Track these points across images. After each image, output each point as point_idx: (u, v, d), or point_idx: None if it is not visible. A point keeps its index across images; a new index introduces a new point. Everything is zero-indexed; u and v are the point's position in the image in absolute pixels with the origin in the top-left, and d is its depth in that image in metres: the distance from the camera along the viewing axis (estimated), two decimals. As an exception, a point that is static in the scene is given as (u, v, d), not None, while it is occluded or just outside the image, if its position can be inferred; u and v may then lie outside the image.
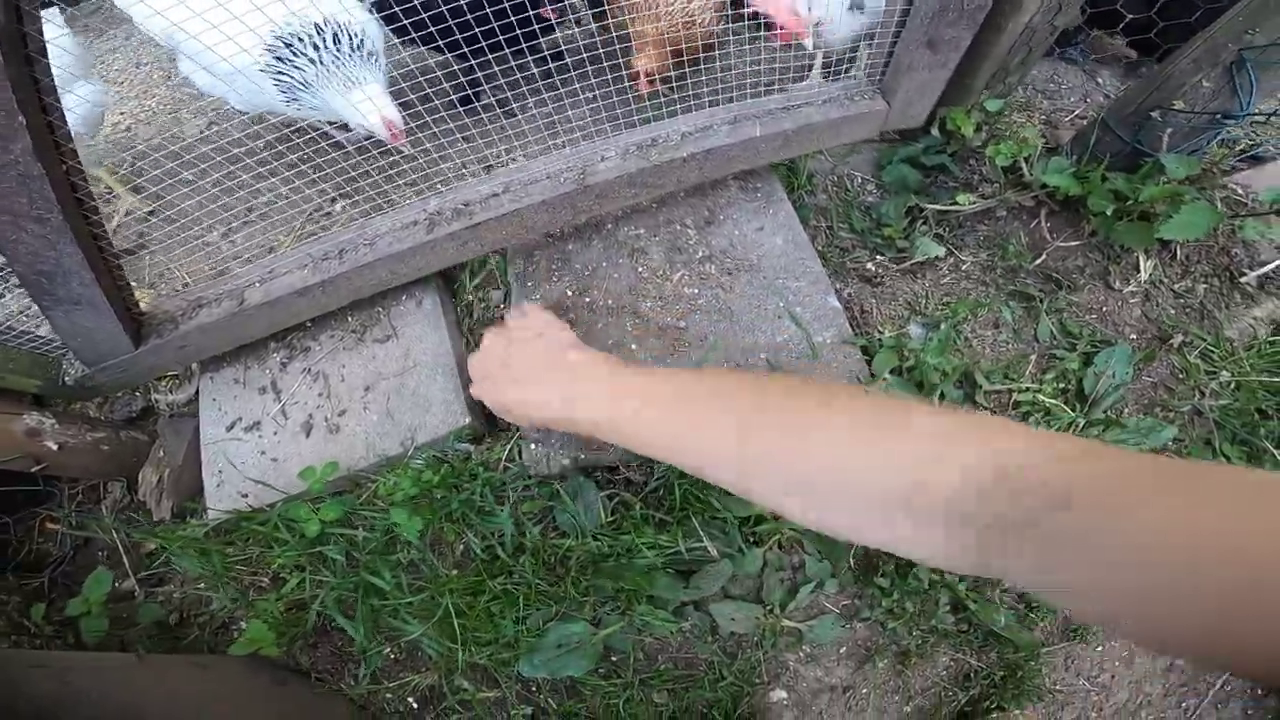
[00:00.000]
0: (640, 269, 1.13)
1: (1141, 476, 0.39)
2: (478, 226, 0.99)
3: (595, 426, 0.71)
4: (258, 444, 1.16)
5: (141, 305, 1.10)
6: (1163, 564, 0.35)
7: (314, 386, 1.15)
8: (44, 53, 0.71)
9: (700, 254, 1.13)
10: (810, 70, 1.18)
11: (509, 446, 1.06)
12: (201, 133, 1.47)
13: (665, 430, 0.66)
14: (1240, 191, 1.14)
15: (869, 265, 1.17)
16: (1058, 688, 1.04)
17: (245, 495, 1.12)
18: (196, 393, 1.28)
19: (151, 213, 1.33)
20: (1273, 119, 1.08)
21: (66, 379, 1.14)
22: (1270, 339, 1.09)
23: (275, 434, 1.16)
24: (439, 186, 1.05)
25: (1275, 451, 1.05)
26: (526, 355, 0.82)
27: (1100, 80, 1.42)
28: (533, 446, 1.03)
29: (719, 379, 0.69)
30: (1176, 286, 1.12)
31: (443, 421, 1.07)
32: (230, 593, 1.07)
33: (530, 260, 1.16)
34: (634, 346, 1.05)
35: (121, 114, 1.54)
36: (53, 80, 0.72)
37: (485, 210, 0.98)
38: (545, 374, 0.79)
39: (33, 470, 1.15)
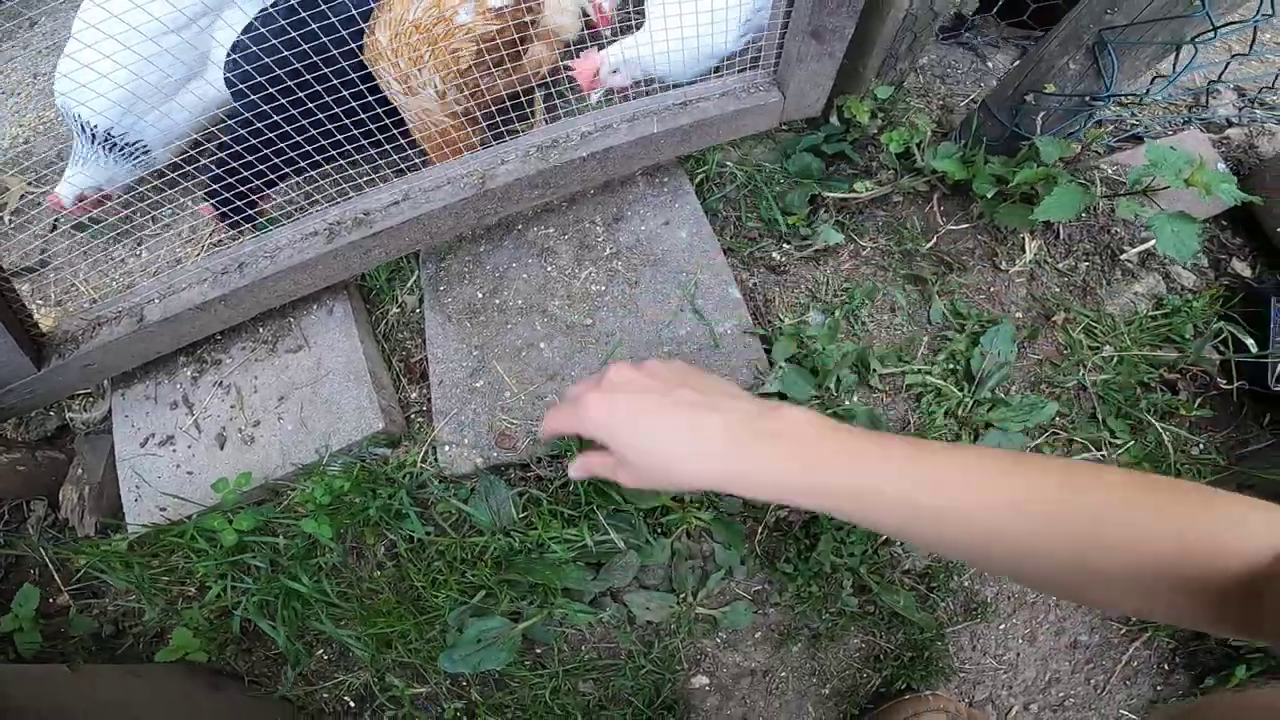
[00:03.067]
0: (549, 268, 1.20)
1: None
2: (380, 234, 1.05)
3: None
4: (172, 458, 1.21)
5: (42, 326, 1.15)
6: None
7: (226, 399, 1.20)
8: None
9: (608, 251, 1.20)
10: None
11: (424, 449, 1.13)
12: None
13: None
14: (1118, 171, 1.24)
15: (774, 254, 1.25)
16: (966, 667, 1.14)
17: (163, 509, 1.17)
18: (109, 410, 1.33)
19: (54, 228, 1.36)
20: (1145, 99, 1.18)
21: (-40, 402, 1.18)
22: (1150, 314, 1.20)
23: (189, 448, 1.21)
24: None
25: (1157, 424, 1.16)
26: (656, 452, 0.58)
27: (992, 64, 1.52)
28: (446, 448, 1.11)
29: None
30: (1060, 265, 1.22)
31: (356, 427, 1.13)
32: (159, 603, 1.12)
33: (442, 264, 1.22)
34: (543, 345, 1.13)
35: (19, 126, 1.56)
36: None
37: (386, 218, 1.04)
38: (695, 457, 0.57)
39: None
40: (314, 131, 1.01)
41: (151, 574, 1.12)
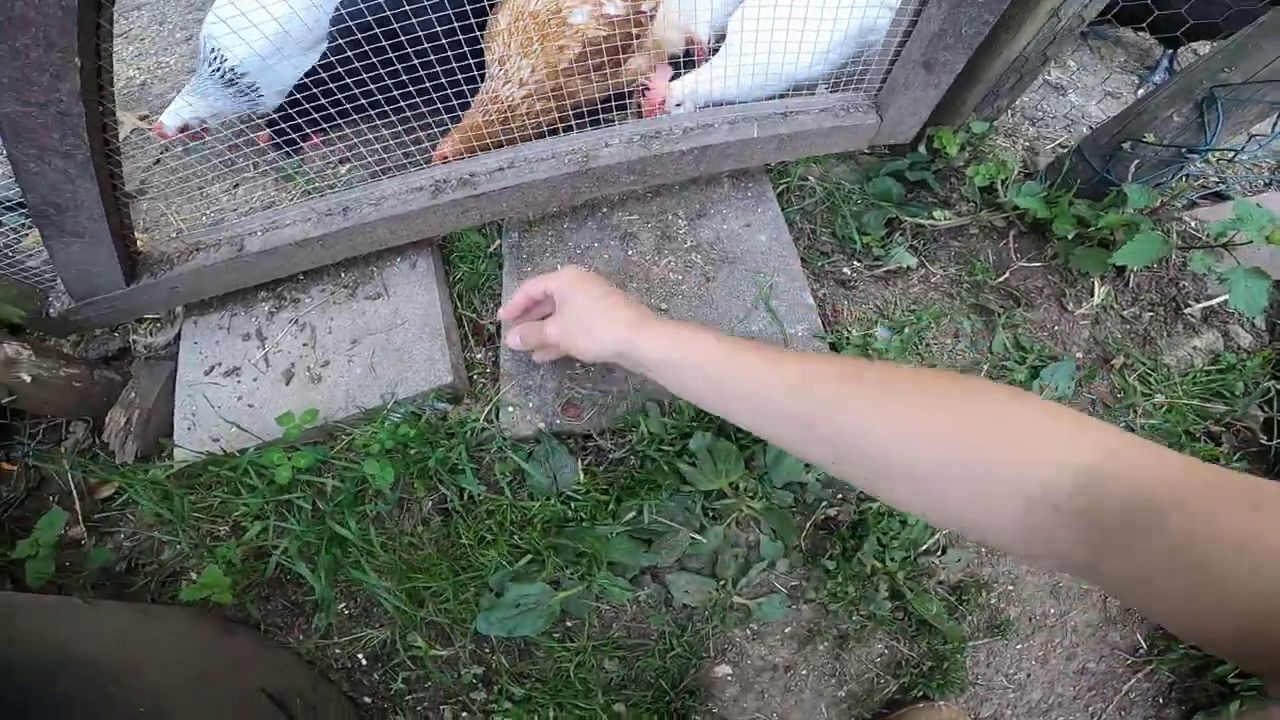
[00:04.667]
0: (630, 252, 1.26)
1: (1244, 492, 0.43)
2: (480, 197, 1.12)
3: (657, 365, 0.84)
4: (235, 389, 1.27)
5: (140, 245, 1.22)
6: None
7: (299, 337, 1.27)
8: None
9: (688, 243, 1.27)
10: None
11: (488, 408, 1.18)
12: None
13: (721, 370, 0.75)
14: (1196, 226, 1.31)
15: (845, 269, 1.31)
16: (978, 682, 1.18)
17: (216, 439, 1.22)
18: (177, 337, 1.39)
19: (157, 162, 1.45)
20: (1238, 156, 1.25)
21: (51, 311, 1.25)
22: (1205, 368, 1.25)
23: (255, 380, 1.27)
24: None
25: (1201, 473, 1.20)
26: (591, 310, 0.96)
27: (1084, 112, 1.61)
28: (510, 409, 1.16)
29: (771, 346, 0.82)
30: (1125, 313, 1.27)
31: (425, 379, 1.19)
32: (188, 539, 1.16)
33: (526, 233, 1.30)
34: (617, 323, 1.19)
35: (138, 69, 1.67)
36: (111, 27, 0.85)
37: (490, 182, 1.12)
38: (609, 320, 0.92)
39: (2, 401, 1.25)
40: (373, 87, 1.09)
41: (190, 508, 1.15)
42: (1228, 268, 1.12)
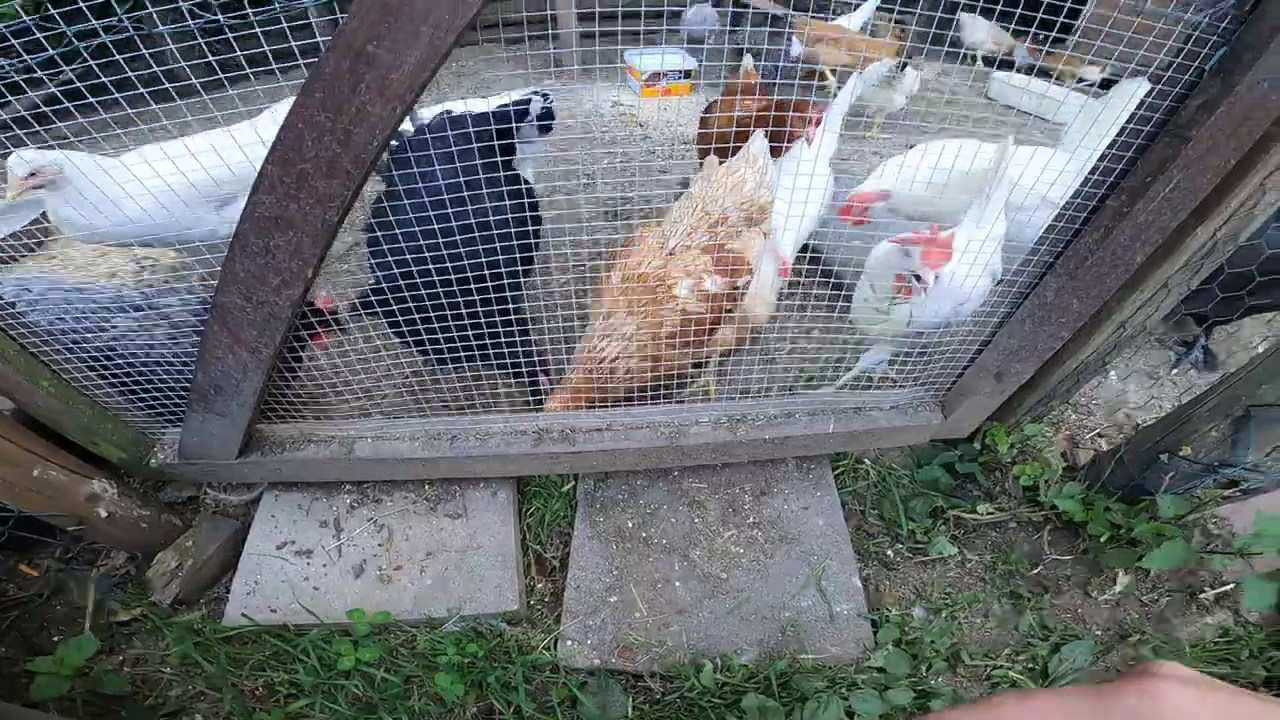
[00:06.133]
0: (696, 519, 1.41)
1: None
2: (578, 453, 1.25)
3: None
4: (304, 569, 1.38)
5: (260, 426, 1.32)
6: None
7: (376, 536, 1.38)
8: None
9: (751, 519, 1.41)
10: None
11: (549, 638, 1.29)
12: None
13: None
14: (1220, 523, 1.43)
15: (889, 551, 1.45)
16: None
17: (275, 610, 1.33)
18: (254, 502, 1.49)
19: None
20: (1263, 470, 1.40)
21: (152, 461, 1.35)
22: (1215, 640, 1.37)
23: (324, 566, 1.37)
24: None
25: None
26: None
27: (1126, 397, 1.77)
28: (569, 643, 1.27)
29: None
30: (1144, 598, 1.41)
31: (494, 602, 1.30)
32: (231, 695, 1.24)
33: (601, 483, 1.44)
34: (678, 584, 1.31)
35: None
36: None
37: (588, 441, 1.25)
38: None
39: (70, 529, 1.34)
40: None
41: (232, 663, 1.25)
42: (1241, 571, 1.26)
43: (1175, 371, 1.91)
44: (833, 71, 3.47)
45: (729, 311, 1.39)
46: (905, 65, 3.02)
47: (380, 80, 0.78)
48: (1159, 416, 1.43)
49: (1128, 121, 0.96)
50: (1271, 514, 1.30)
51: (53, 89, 0.86)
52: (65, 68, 0.86)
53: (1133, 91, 1.44)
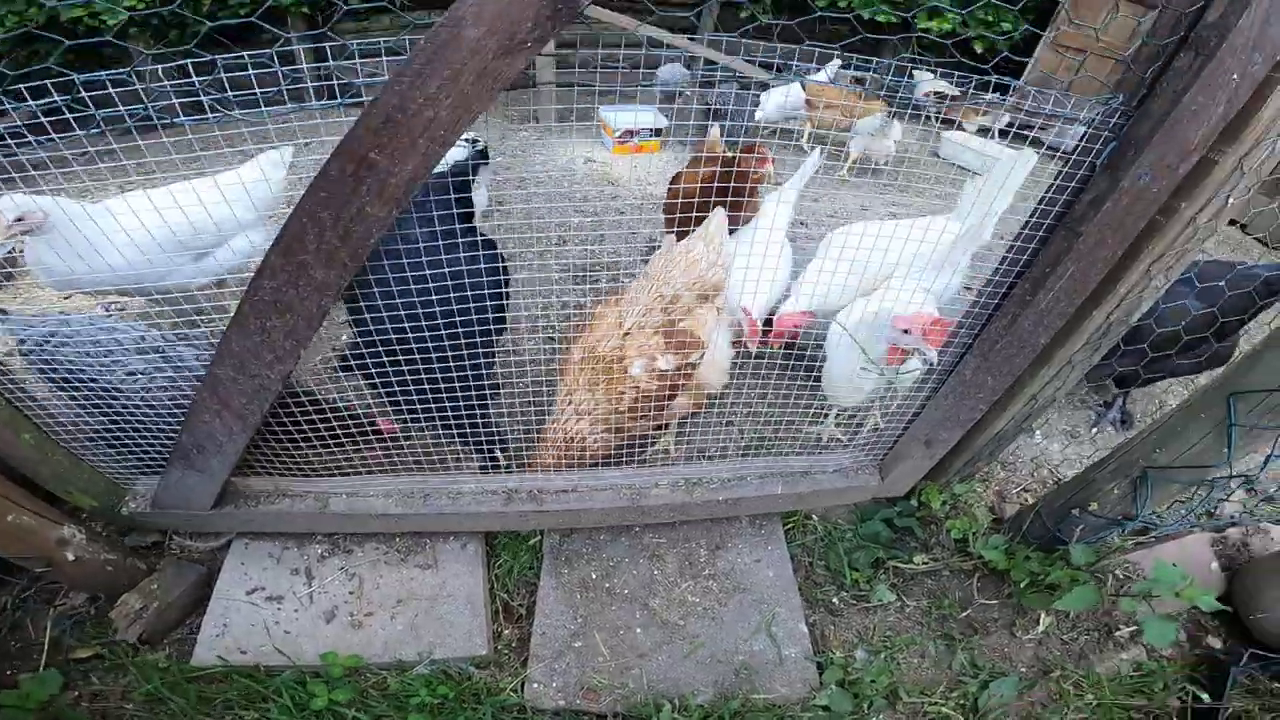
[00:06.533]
0: (656, 571, 1.51)
1: None
2: (545, 512, 1.35)
3: None
4: (275, 614, 1.43)
5: (235, 480, 1.38)
6: None
7: (348, 584, 1.44)
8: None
9: (707, 571, 1.52)
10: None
11: (516, 681, 1.36)
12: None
13: None
14: (1130, 568, 1.58)
15: (834, 599, 1.57)
16: None
17: (244, 651, 1.38)
18: (222, 548, 1.53)
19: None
20: (1160, 522, 1.57)
21: (124, 510, 1.40)
22: (1130, 674, 1.51)
23: (296, 611, 1.43)
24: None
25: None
26: None
27: (1049, 454, 1.94)
28: (535, 685, 1.35)
29: None
30: (1064, 636, 1.55)
31: (463, 646, 1.38)
32: None
33: (567, 538, 1.53)
34: (639, 630, 1.41)
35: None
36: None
37: (555, 502, 1.35)
38: None
39: (36, 570, 1.37)
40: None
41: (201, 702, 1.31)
42: (1147, 612, 1.42)
43: (1095, 431, 2.09)
44: (808, 136, 4.01)
45: (684, 383, 1.51)
46: (892, 116, 3.80)
47: (380, 184, 0.88)
48: (1078, 473, 1.58)
49: (1035, 208, 1.09)
50: (1167, 561, 1.46)
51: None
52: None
53: (1014, 165, 1.65)
